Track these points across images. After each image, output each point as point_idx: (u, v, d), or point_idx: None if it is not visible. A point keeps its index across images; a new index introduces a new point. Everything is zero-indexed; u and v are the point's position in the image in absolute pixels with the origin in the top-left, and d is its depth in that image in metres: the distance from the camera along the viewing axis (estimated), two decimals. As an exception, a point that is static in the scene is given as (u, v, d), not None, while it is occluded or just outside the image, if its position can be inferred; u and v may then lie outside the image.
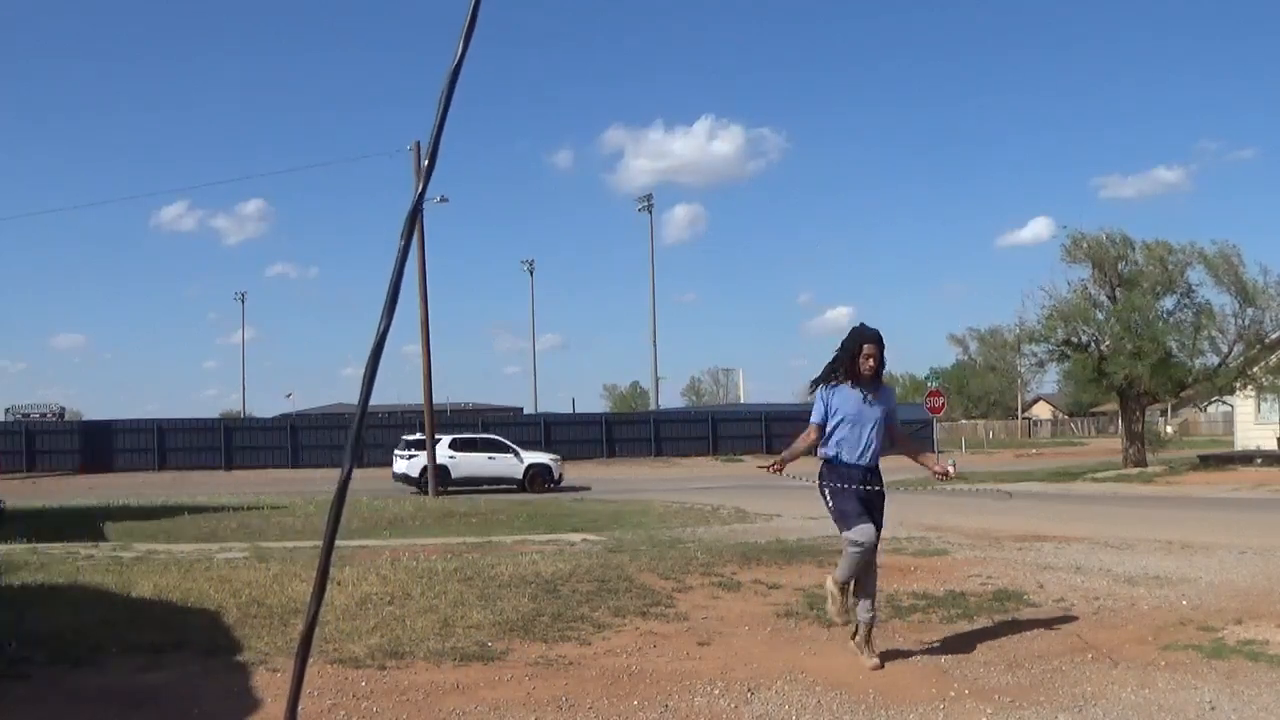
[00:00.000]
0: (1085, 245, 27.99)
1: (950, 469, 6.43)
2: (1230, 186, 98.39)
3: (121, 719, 4.85)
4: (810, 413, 6.01)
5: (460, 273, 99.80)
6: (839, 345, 5.92)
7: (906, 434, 6.19)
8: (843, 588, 5.86)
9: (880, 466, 5.97)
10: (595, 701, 5.11)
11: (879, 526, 5.87)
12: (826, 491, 5.85)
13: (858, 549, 5.71)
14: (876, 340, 5.84)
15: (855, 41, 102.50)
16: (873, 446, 5.84)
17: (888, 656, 5.98)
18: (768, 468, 5.79)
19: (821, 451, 5.92)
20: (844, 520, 5.79)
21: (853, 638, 5.93)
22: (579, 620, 7.00)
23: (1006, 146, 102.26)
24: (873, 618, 5.95)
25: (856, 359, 5.81)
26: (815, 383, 6.00)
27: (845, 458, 5.79)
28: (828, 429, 5.86)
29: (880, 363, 5.87)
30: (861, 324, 5.97)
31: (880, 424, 5.87)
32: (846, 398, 5.83)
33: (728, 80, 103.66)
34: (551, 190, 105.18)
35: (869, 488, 5.82)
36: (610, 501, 20.15)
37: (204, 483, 34.13)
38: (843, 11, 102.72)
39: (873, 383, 5.88)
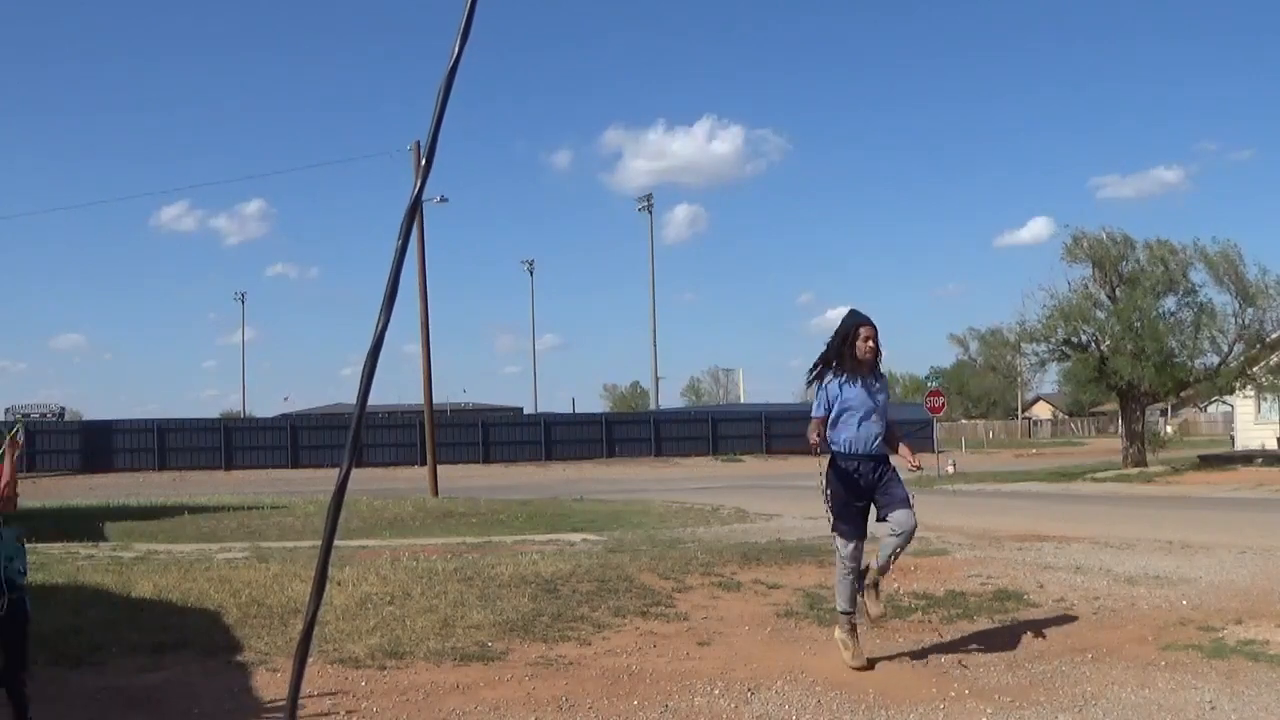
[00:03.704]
0: (1086, 244, 27.97)
1: (920, 464, 6.01)
2: (1230, 187, 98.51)
3: (121, 719, 4.86)
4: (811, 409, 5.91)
5: (460, 273, 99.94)
6: (832, 334, 5.82)
7: (893, 424, 5.97)
8: (851, 625, 5.76)
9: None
10: (595, 701, 5.11)
11: (906, 501, 5.65)
12: (828, 493, 5.74)
13: (850, 567, 5.71)
14: (870, 323, 5.73)
15: (855, 41, 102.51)
16: (879, 435, 5.72)
17: (888, 657, 5.98)
18: (815, 448, 5.68)
19: (831, 445, 5.75)
20: (839, 534, 5.73)
21: (846, 632, 5.81)
22: (579, 620, 6.99)
23: (1005, 146, 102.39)
24: (882, 569, 5.75)
25: (854, 344, 5.67)
26: (812, 372, 5.88)
27: (855, 448, 5.65)
28: (831, 420, 5.71)
29: (878, 346, 5.75)
30: (853, 309, 5.85)
31: (884, 410, 5.77)
32: (848, 388, 5.68)
33: (728, 80, 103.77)
34: (551, 190, 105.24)
35: (877, 479, 5.66)
36: (610, 501, 20.13)
37: (204, 483, 34.14)
38: (844, 12, 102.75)
39: (873, 368, 5.77)
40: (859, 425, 5.68)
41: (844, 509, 5.69)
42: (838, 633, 5.84)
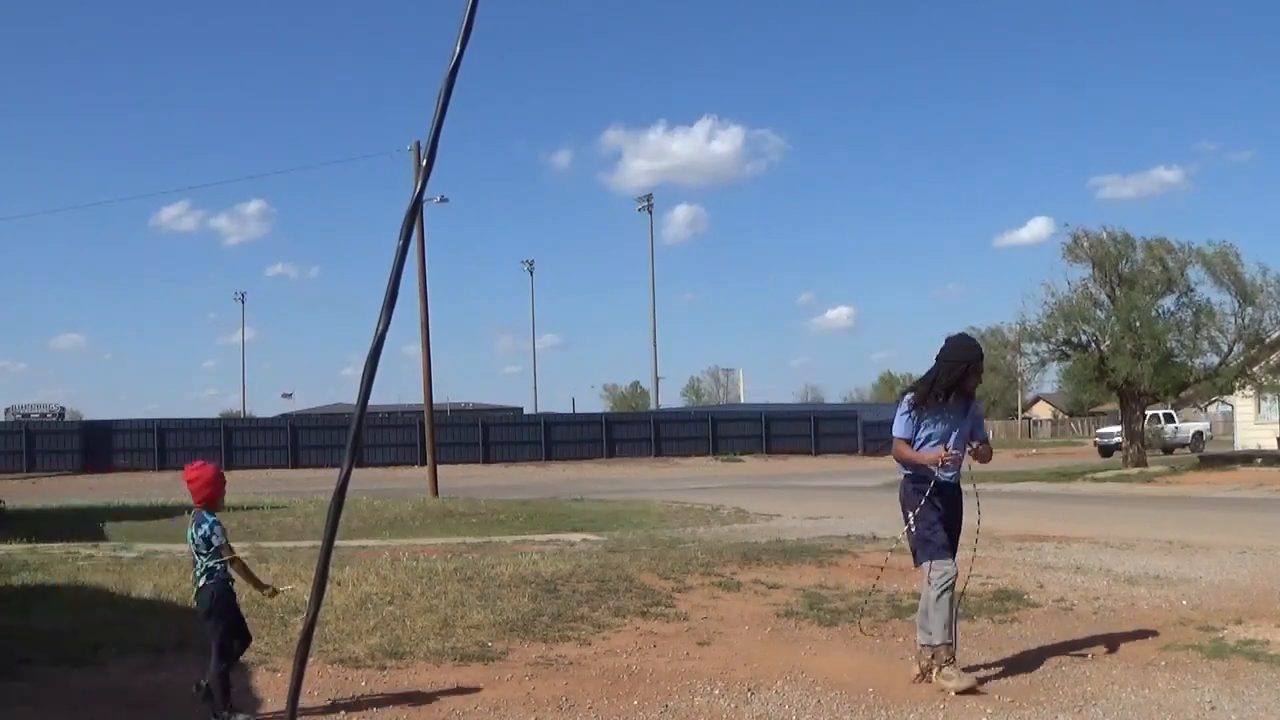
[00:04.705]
0: (1086, 244, 27.95)
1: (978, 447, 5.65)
2: (1230, 187, 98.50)
3: (121, 719, 4.86)
4: (893, 421, 5.69)
5: (460, 273, 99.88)
6: (940, 357, 5.56)
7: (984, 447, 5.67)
8: (952, 656, 5.38)
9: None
10: (595, 701, 5.11)
11: (955, 542, 5.58)
12: (913, 515, 5.50)
13: (947, 584, 5.36)
14: (983, 357, 5.62)
15: (855, 41, 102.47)
16: (959, 462, 5.59)
17: (888, 657, 5.98)
18: (947, 459, 5.45)
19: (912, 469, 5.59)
20: (930, 556, 5.42)
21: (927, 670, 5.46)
22: (579, 620, 7.00)
23: (1005, 146, 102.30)
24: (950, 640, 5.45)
25: (965, 377, 5.51)
26: (909, 393, 5.65)
27: (937, 474, 5.47)
28: (917, 444, 5.54)
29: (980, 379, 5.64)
30: (963, 335, 5.66)
31: (965, 438, 5.61)
32: (940, 417, 5.54)
33: (728, 80, 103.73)
34: (551, 190, 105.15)
35: (956, 503, 5.59)
36: (610, 501, 20.13)
37: (204, 483, 34.07)
38: (844, 12, 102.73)
39: (968, 399, 5.63)
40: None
41: (932, 527, 5.45)
42: (945, 671, 5.30)
